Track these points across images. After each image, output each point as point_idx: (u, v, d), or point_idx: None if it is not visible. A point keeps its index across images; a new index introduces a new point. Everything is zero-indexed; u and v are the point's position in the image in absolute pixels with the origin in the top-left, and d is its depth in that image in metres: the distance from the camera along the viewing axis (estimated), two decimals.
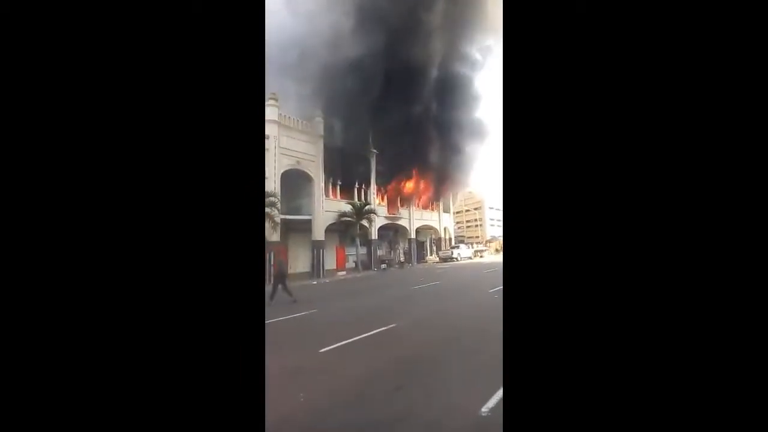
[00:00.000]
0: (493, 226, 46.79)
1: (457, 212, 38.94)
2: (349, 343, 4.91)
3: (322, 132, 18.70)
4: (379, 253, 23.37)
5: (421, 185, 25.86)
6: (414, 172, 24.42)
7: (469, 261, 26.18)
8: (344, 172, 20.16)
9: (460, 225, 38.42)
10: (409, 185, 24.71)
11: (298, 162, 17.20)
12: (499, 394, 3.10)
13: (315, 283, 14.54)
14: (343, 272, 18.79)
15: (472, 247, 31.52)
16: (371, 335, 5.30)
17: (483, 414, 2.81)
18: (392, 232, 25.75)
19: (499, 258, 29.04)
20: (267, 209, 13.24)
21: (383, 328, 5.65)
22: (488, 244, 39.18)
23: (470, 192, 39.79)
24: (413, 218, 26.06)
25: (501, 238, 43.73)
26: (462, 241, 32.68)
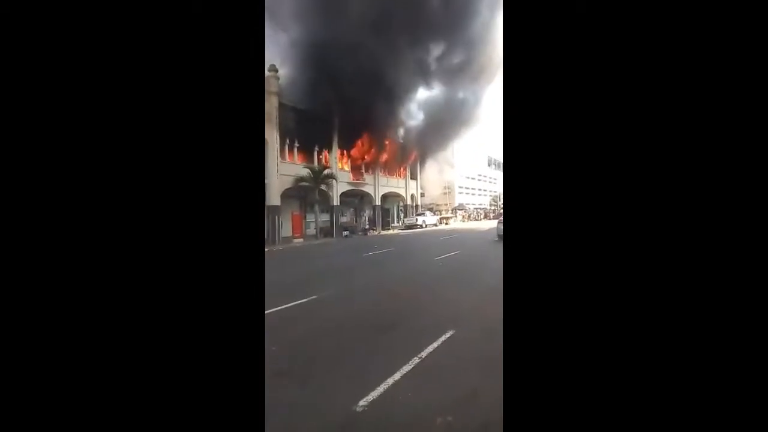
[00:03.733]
0: (462, 194, 47.14)
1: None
2: None
3: (276, 88, 17.11)
4: (343, 220, 22.74)
5: (387, 151, 24.95)
6: (372, 136, 23.27)
7: (435, 228, 26.19)
8: (303, 133, 18.80)
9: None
10: (372, 150, 23.67)
11: None
12: (388, 382, 2.64)
13: (266, 250, 13.82)
14: (300, 239, 18.08)
15: (438, 214, 31.54)
16: (284, 308, 4.75)
17: (357, 410, 2.33)
18: (358, 198, 25.05)
19: (464, 225, 29.29)
20: None
21: (301, 301, 5.12)
22: (456, 212, 39.47)
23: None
24: (379, 184, 25.36)
25: (468, 206, 44.37)
26: (430, 209, 32.47)
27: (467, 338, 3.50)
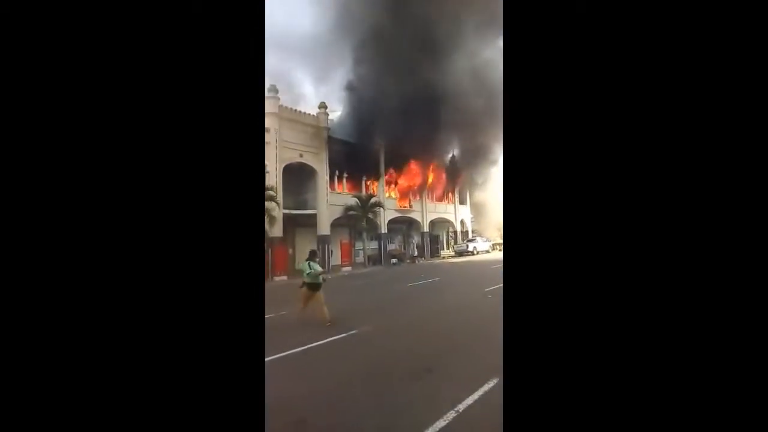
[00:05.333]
0: None
1: None
2: (287, 355, 4.32)
3: (326, 123, 18.15)
4: (391, 247, 22.69)
5: (433, 177, 24.77)
6: (423, 163, 23.25)
7: (487, 255, 24.95)
8: (351, 164, 19.50)
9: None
10: (419, 177, 23.63)
11: (300, 155, 16.77)
12: None
13: None
14: (348, 267, 18.29)
15: (490, 240, 30.09)
16: (322, 344, 4.68)
17: None
18: (405, 225, 24.96)
19: None
20: (266, 203, 12.92)
21: (341, 336, 5.02)
22: None
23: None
24: (426, 211, 25.10)
25: None
26: (480, 234, 31.20)
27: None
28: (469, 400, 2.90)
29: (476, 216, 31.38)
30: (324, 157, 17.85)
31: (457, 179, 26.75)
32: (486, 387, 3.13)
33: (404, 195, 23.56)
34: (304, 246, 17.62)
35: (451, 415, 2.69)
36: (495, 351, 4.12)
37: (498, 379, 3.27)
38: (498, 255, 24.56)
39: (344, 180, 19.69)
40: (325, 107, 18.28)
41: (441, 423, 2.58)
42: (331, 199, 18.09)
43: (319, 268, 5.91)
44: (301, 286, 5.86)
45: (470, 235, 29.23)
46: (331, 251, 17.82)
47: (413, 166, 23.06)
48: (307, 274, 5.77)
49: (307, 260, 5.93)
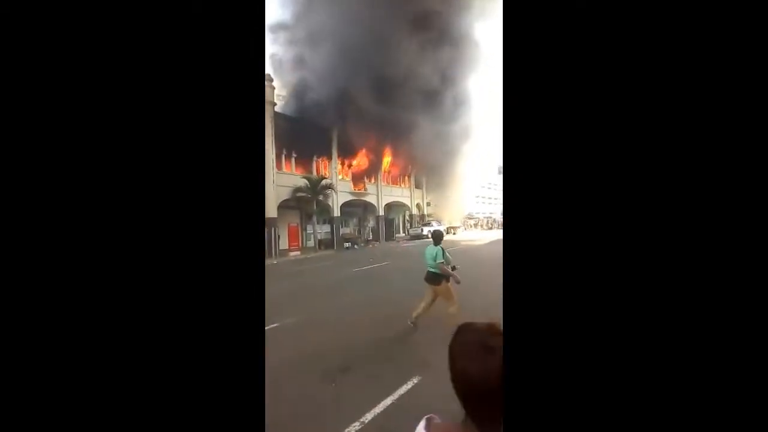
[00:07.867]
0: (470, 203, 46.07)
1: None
2: None
3: (272, 98, 16.82)
4: (344, 231, 22.13)
5: (390, 160, 24.35)
6: (375, 146, 22.64)
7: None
8: (300, 143, 18.40)
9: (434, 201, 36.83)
10: (374, 159, 23.04)
11: None
12: None
13: None
14: (297, 252, 17.50)
15: (444, 225, 30.57)
16: None
17: None
18: (361, 209, 24.46)
19: (472, 234, 28.30)
20: None
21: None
22: (467, 221, 38.40)
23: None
24: (382, 194, 24.74)
25: (479, 215, 43.37)
26: (436, 219, 31.52)
27: (434, 389, 2.75)
28: (381, 406, 2.51)
29: (435, 200, 31.66)
30: (270, 133, 16.60)
31: (413, 162, 26.53)
32: (404, 388, 2.77)
33: (359, 178, 22.90)
34: None
35: (355, 427, 2.27)
36: (424, 345, 3.82)
37: (419, 377, 2.93)
38: (452, 238, 25.00)
39: (293, 160, 18.59)
40: (271, 80, 16.91)
41: None
42: (278, 180, 17.00)
43: (449, 256, 4.45)
44: (438, 284, 4.34)
45: (426, 219, 29.47)
46: (279, 235, 16.88)
47: (368, 147, 22.39)
48: (440, 262, 4.31)
49: (435, 244, 4.47)
